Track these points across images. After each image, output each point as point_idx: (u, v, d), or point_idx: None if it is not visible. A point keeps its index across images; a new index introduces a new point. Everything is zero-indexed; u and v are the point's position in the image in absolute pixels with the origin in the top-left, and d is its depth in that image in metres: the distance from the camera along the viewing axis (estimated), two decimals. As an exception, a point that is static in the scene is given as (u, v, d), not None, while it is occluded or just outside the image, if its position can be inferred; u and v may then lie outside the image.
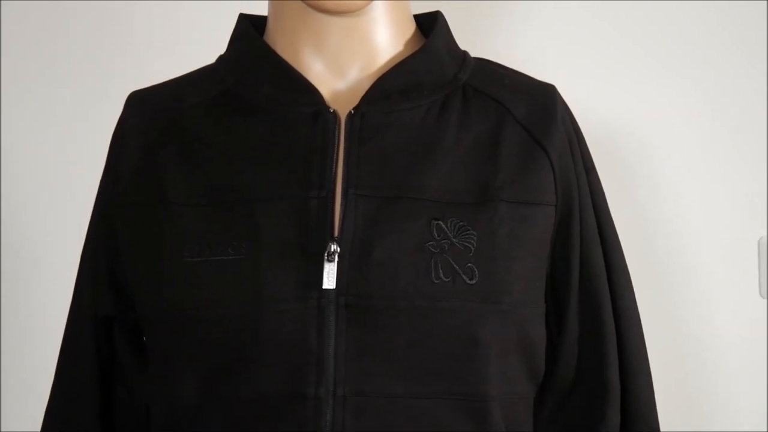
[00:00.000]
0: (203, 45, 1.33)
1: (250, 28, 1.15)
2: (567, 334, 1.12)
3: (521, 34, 1.63)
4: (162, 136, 1.12)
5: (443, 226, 1.04)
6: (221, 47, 1.20)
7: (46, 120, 1.75)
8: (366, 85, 1.10)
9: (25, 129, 1.75)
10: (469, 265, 1.03)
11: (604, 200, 1.16)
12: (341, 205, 1.05)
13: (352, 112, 1.08)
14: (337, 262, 1.03)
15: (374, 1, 1.10)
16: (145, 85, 1.21)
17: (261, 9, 1.19)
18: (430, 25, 1.15)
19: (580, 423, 1.13)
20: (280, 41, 1.13)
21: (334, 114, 1.08)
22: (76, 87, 1.74)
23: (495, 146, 1.09)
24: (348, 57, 1.11)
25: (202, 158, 1.10)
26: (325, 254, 1.03)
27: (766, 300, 1.60)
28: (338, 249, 1.03)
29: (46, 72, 1.75)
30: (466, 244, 1.04)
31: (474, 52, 1.17)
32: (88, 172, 1.68)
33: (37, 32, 1.75)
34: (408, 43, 1.14)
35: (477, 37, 1.57)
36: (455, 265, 1.03)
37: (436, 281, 1.02)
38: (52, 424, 1.18)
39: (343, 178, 1.06)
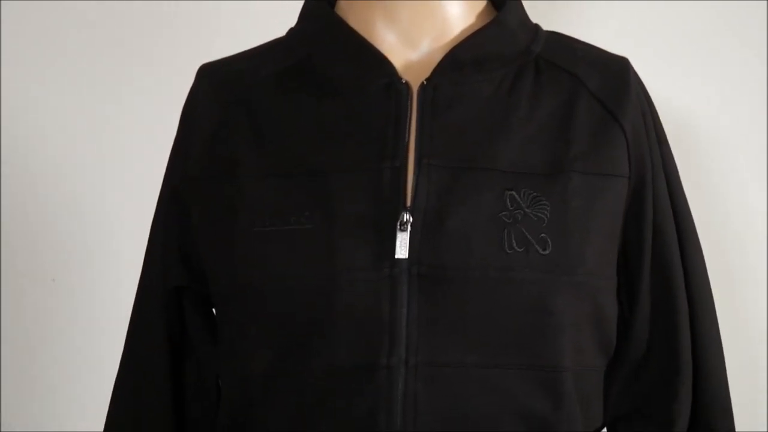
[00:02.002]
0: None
1: (321, 1, 1.15)
2: (639, 308, 1.12)
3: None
4: (233, 109, 1.12)
5: (516, 196, 1.05)
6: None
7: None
8: (438, 57, 1.10)
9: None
10: (543, 235, 1.04)
11: (676, 173, 1.16)
12: (414, 175, 1.05)
13: (425, 83, 1.08)
14: (410, 231, 1.03)
15: (445, -27, 1.09)
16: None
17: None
18: None
19: (650, 399, 1.13)
20: (351, 13, 1.13)
21: (407, 85, 1.08)
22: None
23: (568, 118, 1.09)
24: (420, 28, 1.12)
25: (273, 130, 1.10)
26: (398, 224, 1.03)
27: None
28: (411, 219, 1.03)
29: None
30: (540, 214, 1.04)
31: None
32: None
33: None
34: (480, 15, 1.14)
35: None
36: (528, 236, 1.03)
37: (509, 251, 1.03)
38: (122, 394, 1.18)
39: (416, 149, 1.06)
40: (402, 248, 1.02)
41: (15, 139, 1.73)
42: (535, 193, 1.05)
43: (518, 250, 1.02)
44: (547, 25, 1.17)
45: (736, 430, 1.16)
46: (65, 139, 1.73)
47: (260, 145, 1.09)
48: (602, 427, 1.15)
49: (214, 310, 1.16)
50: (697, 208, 1.19)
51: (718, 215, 1.63)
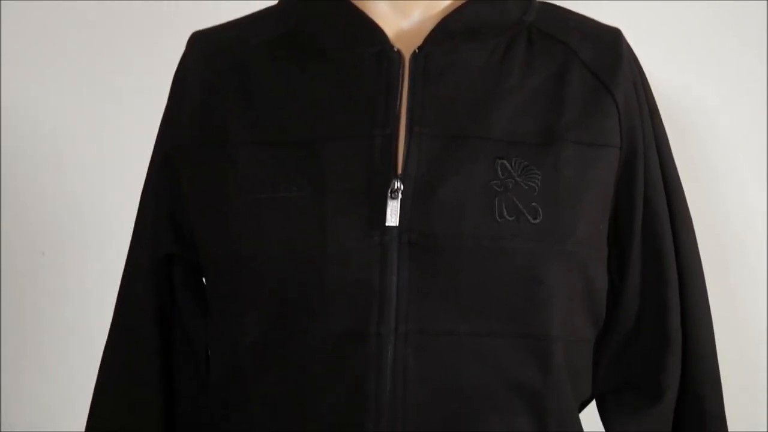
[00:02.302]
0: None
1: None
2: (629, 279, 1.12)
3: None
4: (224, 76, 1.12)
5: (507, 165, 1.05)
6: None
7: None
8: (430, 26, 1.09)
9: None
10: (534, 204, 1.03)
11: (667, 145, 1.15)
12: (405, 143, 1.04)
13: (417, 51, 1.08)
14: (401, 199, 1.03)
15: (438, -60, 1.09)
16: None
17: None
18: None
19: (640, 370, 1.13)
20: None
21: (399, 53, 1.08)
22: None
23: (560, 88, 1.09)
24: (412, -3, 1.11)
25: (264, 98, 1.09)
26: (389, 191, 1.03)
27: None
28: (402, 186, 1.03)
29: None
30: (531, 183, 1.04)
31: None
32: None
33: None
34: None
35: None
36: (519, 205, 1.03)
37: (500, 220, 1.02)
38: (111, 364, 1.18)
39: (407, 117, 1.05)
40: (392, 216, 1.02)
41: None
42: (526, 162, 1.04)
43: (509, 218, 1.02)
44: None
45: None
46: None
47: (251, 113, 1.09)
48: (591, 399, 1.16)
49: (204, 279, 1.15)
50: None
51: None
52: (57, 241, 1.72)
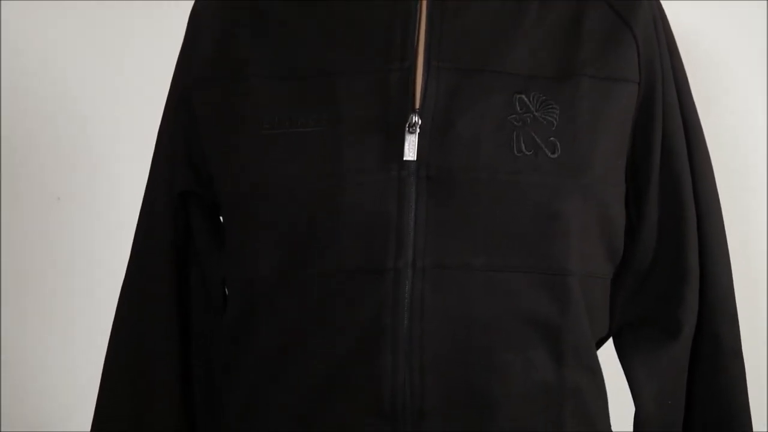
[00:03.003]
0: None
1: None
2: (646, 215, 1.11)
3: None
4: (240, 11, 1.12)
5: (526, 99, 1.04)
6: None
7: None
8: None
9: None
10: (552, 139, 1.03)
11: (686, 83, 1.15)
12: (423, 77, 1.04)
13: None
14: (419, 134, 1.02)
15: None
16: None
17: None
18: None
19: (657, 306, 1.13)
20: None
21: None
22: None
23: (578, 22, 1.08)
24: (430, -69, 1.10)
25: (280, 34, 1.09)
26: (407, 126, 1.02)
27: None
28: (419, 121, 1.02)
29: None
30: (549, 118, 1.04)
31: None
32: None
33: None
34: None
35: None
36: (537, 139, 1.03)
37: (518, 154, 1.02)
38: (129, 300, 1.18)
39: (425, 51, 1.05)
40: (410, 150, 1.02)
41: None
42: (544, 97, 1.04)
43: (527, 153, 1.02)
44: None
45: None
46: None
47: (267, 47, 1.08)
48: (608, 336, 1.16)
49: (220, 217, 1.15)
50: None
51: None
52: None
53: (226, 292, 1.16)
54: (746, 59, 1.61)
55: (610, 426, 1.11)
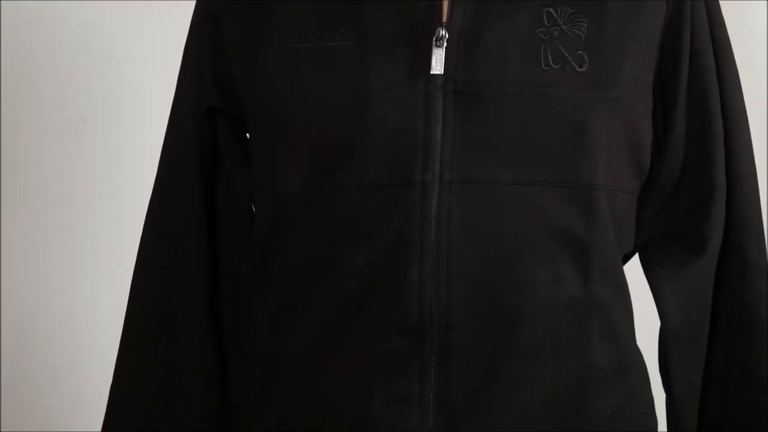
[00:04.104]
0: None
1: None
2: (674, 131, 1.11)
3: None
4: None
5: (553, 12, 1.03)
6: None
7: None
8: None
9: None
10: (579, 52, 1.03)
11: (717, 4, 1.14)
12: None
13: None
14: (446, 48, 1.02)
15: None
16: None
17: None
18: None
19: (683, 221, 1.13)
20: None
21: None
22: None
23: None
24: None
25: None
26: (434, 39, 1.02)
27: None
28: (447, 35, 1.02)
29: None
30: (576, 31, 1.03)
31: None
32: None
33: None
34: None
35: None
36: (565, 52, 1.02)
37: (545, 68, 1.02)
38: (157, 216, 1.18)
39: None
40: (437, 64, 1.02)
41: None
42: (572, 10, 1.03)
43: (554, 66, 1.02)
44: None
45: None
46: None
47: None
48: (634, 252, 1.16)
49: (247, 134, 1.15)
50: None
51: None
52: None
53: (254, 210, 1.16)
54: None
55: (635, 341, 1.12)
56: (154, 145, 1.21)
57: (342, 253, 1.03)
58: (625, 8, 1.05)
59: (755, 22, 1.59)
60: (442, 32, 1.02)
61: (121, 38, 1.71)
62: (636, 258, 1.17)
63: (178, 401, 1.15)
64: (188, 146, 1.16)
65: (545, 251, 1.01)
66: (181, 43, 1.19)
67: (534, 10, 1.03)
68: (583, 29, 1.03)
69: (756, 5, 1.58)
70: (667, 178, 1.12)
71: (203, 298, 1.15)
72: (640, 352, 1.12)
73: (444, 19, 1.03)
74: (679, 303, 1.13)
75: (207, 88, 1.15)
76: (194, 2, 1.19)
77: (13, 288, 1.73)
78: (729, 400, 1.14)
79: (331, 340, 1.04)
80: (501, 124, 1.01)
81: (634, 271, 1.15)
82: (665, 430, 1.16)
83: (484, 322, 1.01)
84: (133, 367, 1.17)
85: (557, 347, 1.02)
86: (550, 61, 1.02)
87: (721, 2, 1.43)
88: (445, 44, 1.02)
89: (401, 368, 1.01)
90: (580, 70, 1.02)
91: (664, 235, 1.14)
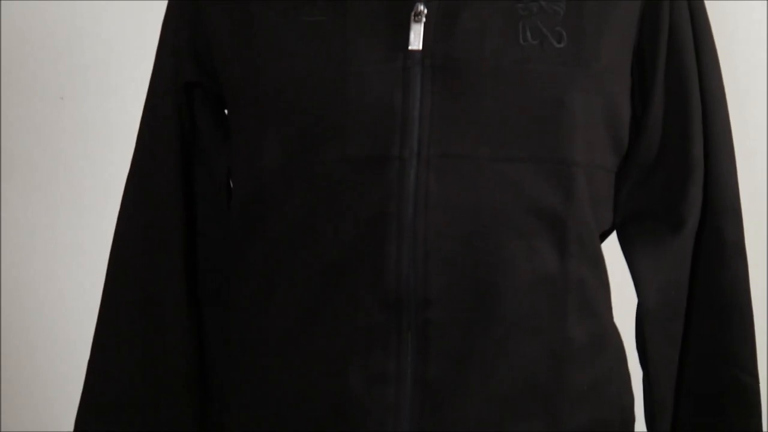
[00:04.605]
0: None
1: None
2: (652, 108, 1.11)
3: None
4: None
5: None
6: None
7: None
8: None
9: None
10: (558, 28, 1.03)
11: None
12: None
13: None
14: (424, 23, 1.02)
15: None
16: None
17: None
18: None
19: (661, 199, 1.13)
20: None
21: None
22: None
23: None
24: None
25: None
26: (412, 15, 1.02)
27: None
28: (425, 10, 1.02)
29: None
30: (555, 8, 1.03)
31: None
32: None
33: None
34: None
35: None
36: (543, 29, 1.02)
37: (523, 43, 1.02)
38: (135, 190, 1.18)
39: None
40: (416, 40, 1.02)
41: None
42: None
43: (533, 42, 1.02)
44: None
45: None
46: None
47: None
48: (612, 230, 1.16)
49: (225, 110, 1.15)
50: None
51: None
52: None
53: (231, 185, 1.16)
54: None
55: (612, 318, 1.12)
56: (133, 122, 1.20)
57: (321, 228, 1.03)
58: None
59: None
60: (421, 7, 1.02)
61: (99, 16, 1.70)
62: (614, 235, 1.17)
63: (158, 370, 1.15)
64: (166, 121, 1.15)
65: (522, 227, 1.02)
66: (159, 19, 1.19)
67: None
68: (561, 6, 1.03)
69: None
70: (645, 156, 1.13)
71: (182, 273, 1.15)
72: (617, 329, 1.12)
73: None
74: (656, 280, 1.13)
75: (185, 64, 1.14)
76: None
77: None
78: (705, 378, 1.14)
79: (309, 315, 1.04)
80: (479, 99, 1.01)
81: (611, 248, 1.15)
82: (641, 405, 1.16)
83: (462, 297, 1.01)
84: (112, 338, 1.17)
85: (534, 323, 1.02)
86: (529, 37, 1.02)
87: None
88: (424, 20, 1.02)
89: (378, 344, 1.01)
90: (558, 46, 1.02)
91: (642, 213, 1.15)
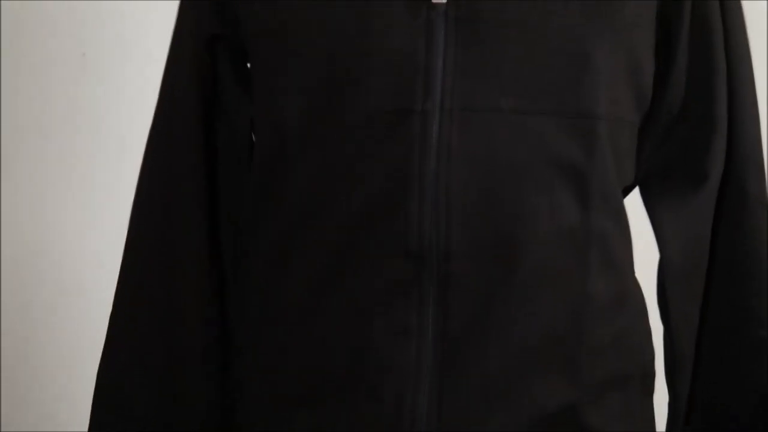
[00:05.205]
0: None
1: None
2: (676, 63, 1.10)
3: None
4: None
5: None
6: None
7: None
8: None
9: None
10: None
11: None
12: None
13: None
14: None
15: None
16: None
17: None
18: None
19: (684, 154, 1.13)
20: None
21: None
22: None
23: None
24: None
25: None
26: None
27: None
28: None
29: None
30: None
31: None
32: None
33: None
34: None
35: None
36: None
37: None
38: (159, 143, 1.17)
39: None
40: None
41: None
42: None
43: None
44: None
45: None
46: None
47: None
48: (634, 185, 1.16)
49: (248, 64, 1.14)
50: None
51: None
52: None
53: (254, 141, 1.16)
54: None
55: (634, 273, 1.12)
56: (155, 78, 1.20)
57: (342, 182, 1.03)
58: None
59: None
60: None
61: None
62: (636, 191, 1.17)
63: (177, 332, 1.15)
64: (189, 76, 1.15)
65: (545, 180, 1.02)
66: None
67: None
68: None
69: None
70: (668, 111, 1.12)
71: (203, 233, 1.15)
72: (638, 284, 1.12)
73: None
74: (678, 235, 1.13)
75: (207, 16, 1.14)
76: None
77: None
78: (725, 334, 1.15)
79: (331, 272, 1.04)
80: (503, 52, 1.01)
81: (634, 204, 1.15)
82: (662, 362, 1.16)
83: (483, 251, 1.01)
84: (132, 300, 1.17)
85: (555, 276, 1.02)
86: None
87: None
88: None
89: (400, 299, 1.01)
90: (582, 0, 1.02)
91: (665, 168, 1.14)
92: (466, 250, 1.00)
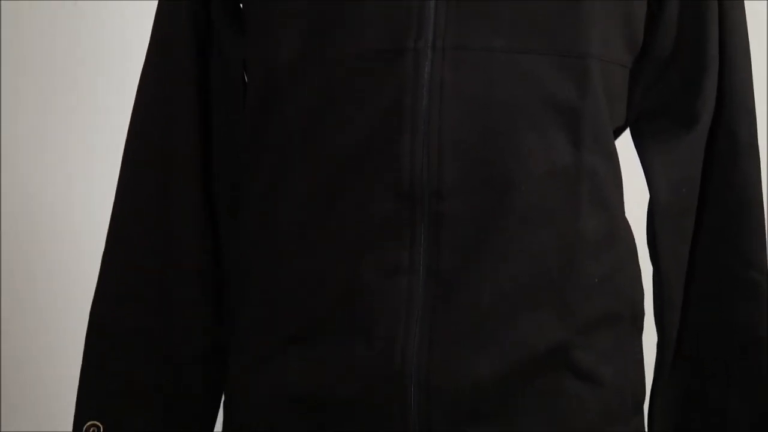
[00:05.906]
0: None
1: None
2: (668, 8, 1.11)
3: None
4: None
5: None
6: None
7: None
8: None
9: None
10: None
11: None
12: None
13: None
14: None
15: None
16: None
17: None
18: None
19: (675, 96, 1.14)
20: None
21: None
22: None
23: None
24: None
25: None
26: None
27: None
28: None
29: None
30: None
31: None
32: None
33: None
34: None
35: None
36: None
37: None
38: (152, 83, 1.17)
39: None
40: None
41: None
42: None
43: None
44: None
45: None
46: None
47: None
48: (626, 126, 1.16)
49: (241, 4, 1.14)
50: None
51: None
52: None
53: (246, 80, 1.16)
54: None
55: (624, 213, 1.13)
56: (147, 21, 1.19)
57: (334, 120, 1.03)
58: None
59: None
60: None
61: None
62: (627, 132, 1.18)
63: (173, 257, 1.15)
64: (181, 14, 1.15)
65: (537, 119, 1.02)
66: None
67: None
68: None
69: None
70: (659, 52, 1.13)
71: (198, 166, 1.15)
72: (628, 224, 1.13)
73: None
74: (668, 176, 1.14)
75: None
76: None
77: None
78: (714, 274, 1.16)
79: (322, 207, 1.04)
80: None
81: (624, 145, 1.16)
82: (651, 302, 1.17)
83: (475, 188, 1.01)
84: (126, 239, 1.17)
85: (547, 214, 1.03)
86: None
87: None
88: None
89: (392, 235, 1.02)
90: None
91: (656, 110, 1.15)
92: (458, 188, 1.01)
